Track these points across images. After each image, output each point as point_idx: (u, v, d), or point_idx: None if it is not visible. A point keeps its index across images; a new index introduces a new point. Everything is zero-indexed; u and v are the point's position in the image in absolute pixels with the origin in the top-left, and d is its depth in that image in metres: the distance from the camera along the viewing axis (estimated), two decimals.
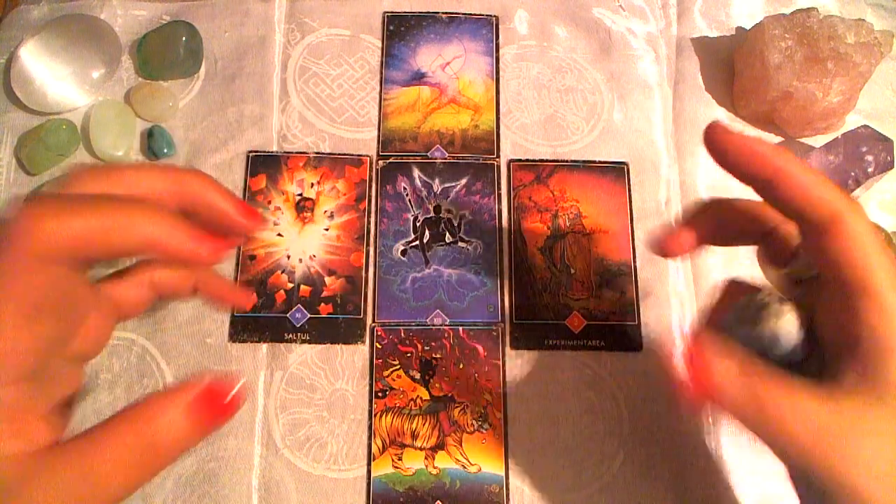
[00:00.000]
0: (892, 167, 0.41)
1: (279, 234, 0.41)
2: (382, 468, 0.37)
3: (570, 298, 0.41)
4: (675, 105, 0.46)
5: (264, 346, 0.39)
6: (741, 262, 0.42)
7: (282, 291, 0.40)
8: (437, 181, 0.43)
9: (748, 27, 0.45)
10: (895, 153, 0.41)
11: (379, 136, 0.44)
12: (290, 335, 0.39)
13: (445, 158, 0.43)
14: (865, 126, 0.42)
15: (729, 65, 0.46)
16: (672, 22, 0.48)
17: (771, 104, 0.43)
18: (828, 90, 0.41)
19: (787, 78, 0.41)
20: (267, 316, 0.40)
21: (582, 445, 0.38)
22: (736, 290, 0.28)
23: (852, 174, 0.41)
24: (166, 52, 0.43)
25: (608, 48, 0.46)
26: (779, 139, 0.45)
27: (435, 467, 0.37)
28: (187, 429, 0.22)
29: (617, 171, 0.44)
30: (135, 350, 0.39)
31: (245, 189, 0.42)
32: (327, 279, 0.41)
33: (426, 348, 0.40)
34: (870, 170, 0.41)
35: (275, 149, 0.43)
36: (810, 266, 0.24)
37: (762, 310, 0.23)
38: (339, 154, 0.43)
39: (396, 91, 0.45)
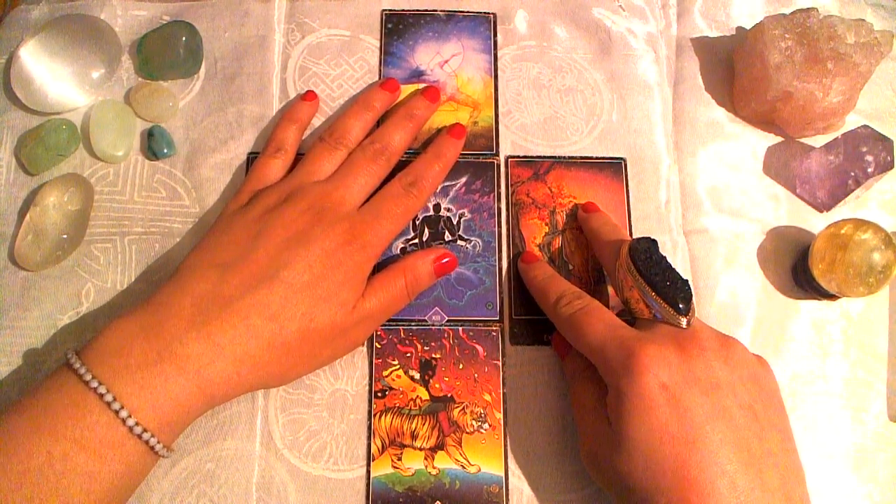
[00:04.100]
0: (892, 167, 0.41)
1: None
2: (382, 468, 0.37)
3: None
4: (675, 105, 0.46)
5: None
6: (740, 261, 0.42)
7: None
8: None
9: (748, 27, 0.45)
10: (895, 153, 0.41)
11: None
12: None
13: None
14: (865, 126, 0.42)
15: (729, 65, 0.46)
16: (672, 22, 0.48)
17: (771, 104, 0.43)
18: (828, 90, 0.41)
19: (787, 78, 0.41)
20: None
21: None
22: None
23: (852, 174, 0.41)
24: (166, 52, 0.43)
25: (608, 48, 0.46)
26: (779, 139, 0.45)
27: (434, 467, 0.37)
28: (431, 272, 0.39)
29: (614, 167, 0.44)
30: None
31: None
32: None
33: (426, 348, 0.39)
34: (870, 170, 0.41)
35: None
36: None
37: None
38: None
39: None
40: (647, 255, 0.35)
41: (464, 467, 0.37)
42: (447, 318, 0.40)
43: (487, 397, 0.39)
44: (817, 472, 0.38)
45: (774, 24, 0.42)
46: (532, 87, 0.45)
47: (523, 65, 0.46)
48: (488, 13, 0.47)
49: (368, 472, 0.37)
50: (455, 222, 0.42)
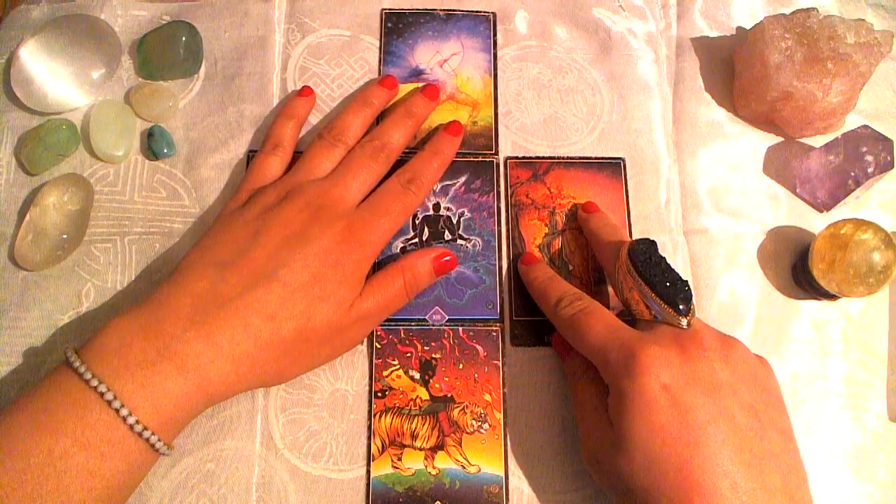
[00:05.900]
0: (892, 167, 0.41)
1: None
2: (382, 468, 0.37)
3: None
4: (675, 105, 0.46)
5: None
6: (740, 261, 0.42)
7: None
8: None
9: (748, 27, 0.45)
10: (895, 153, 0.41)
11: None
12: None
13: None
14: (865, 126, 0.42)
15: (729, 65, 0.46)
16: (672, 22, 0.48)
17: (771, 104, 0.43)
18: (828, 90, 0.41)
19: (787, 78, 0.41)
20: None
21: None
22: None
23: (852, 174, 0.41)
24: (166, 52, 0.43)
25: (608, 48, 0.46)
26: (779, 139, 0.45)
27: (434, 467, 0.37)
28: (430, 272, 0.38)
29: (613, 168, 0.44)
30: None
31: None
32: None
33: (426, 348, 0.39)
34: (870, 170, 0.41)
35: None
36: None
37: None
38: None
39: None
40: (646, 257, 0.35)
41: (464, 467, 0.37)
42: (448, 318, 0.40)
43: (487, 397, 0.39)
44: (817, 472, 0.38)
45: (774, 24, 0.42)
46: (532, 87, 0.45)
47: (523, 65, 0.46)
48: (488, 13, 0.47)
49: (368, 472, 0.37)
50: (455, 221, 0.42)
